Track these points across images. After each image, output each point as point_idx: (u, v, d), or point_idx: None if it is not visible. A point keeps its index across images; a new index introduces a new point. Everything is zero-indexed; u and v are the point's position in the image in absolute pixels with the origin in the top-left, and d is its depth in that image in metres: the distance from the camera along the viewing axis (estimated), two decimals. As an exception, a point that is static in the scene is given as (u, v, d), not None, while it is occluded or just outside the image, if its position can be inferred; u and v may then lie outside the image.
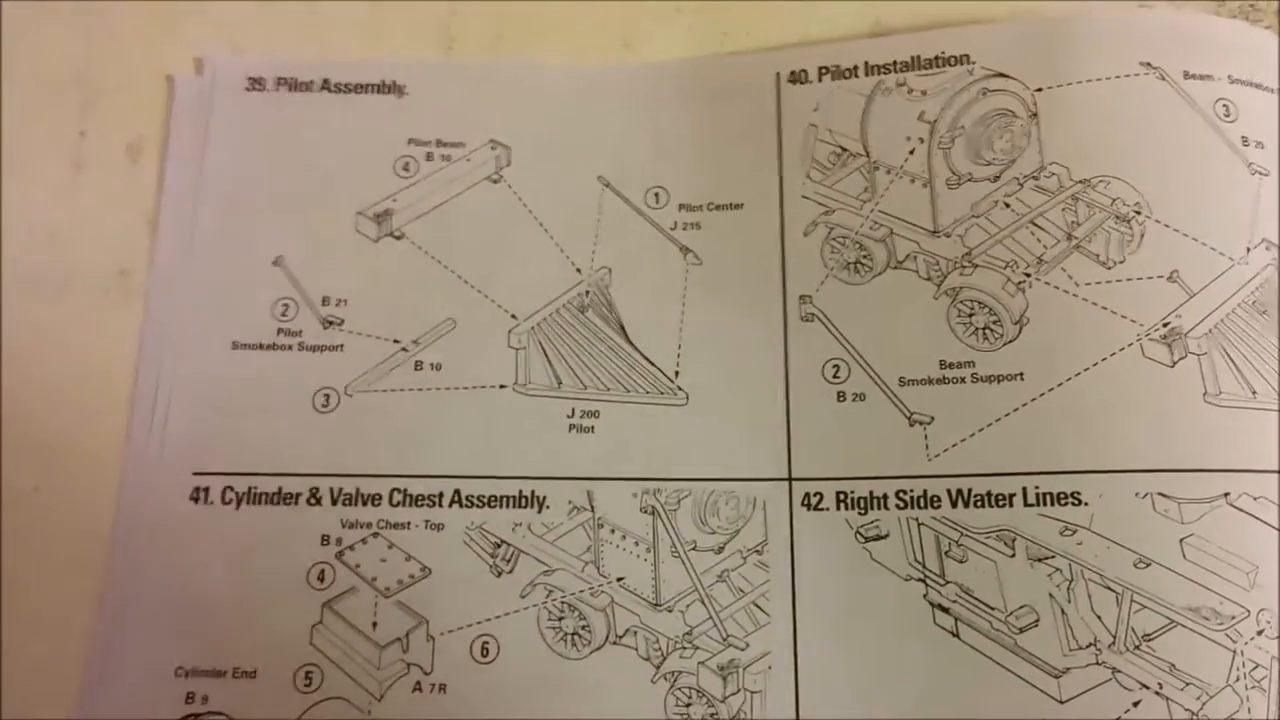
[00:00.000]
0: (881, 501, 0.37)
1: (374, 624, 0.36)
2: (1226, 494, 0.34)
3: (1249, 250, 0.37)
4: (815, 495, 0.37)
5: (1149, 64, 0.39)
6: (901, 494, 0.37)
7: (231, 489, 0.38)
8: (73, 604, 0.36)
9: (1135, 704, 0.33)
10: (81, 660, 0.36)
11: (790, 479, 0.37)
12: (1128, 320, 0.36)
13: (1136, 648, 0.33)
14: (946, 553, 0.36)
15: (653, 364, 0.40)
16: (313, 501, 0.38)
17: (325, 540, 0.37)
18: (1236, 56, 0.40)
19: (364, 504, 0.38)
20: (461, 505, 0.38)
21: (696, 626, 0.36)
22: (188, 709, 0.35)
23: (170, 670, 0.36)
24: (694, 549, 0.37)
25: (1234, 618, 0.33)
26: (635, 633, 0.36)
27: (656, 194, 0.41)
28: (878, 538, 0.36)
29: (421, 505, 0.38)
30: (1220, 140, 0.38)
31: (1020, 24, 0.41)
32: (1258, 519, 0.34)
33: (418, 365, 0.40)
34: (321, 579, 0.37)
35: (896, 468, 0.37)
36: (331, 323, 0.40)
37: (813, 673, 0.35)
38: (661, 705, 0.35)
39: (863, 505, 0.37)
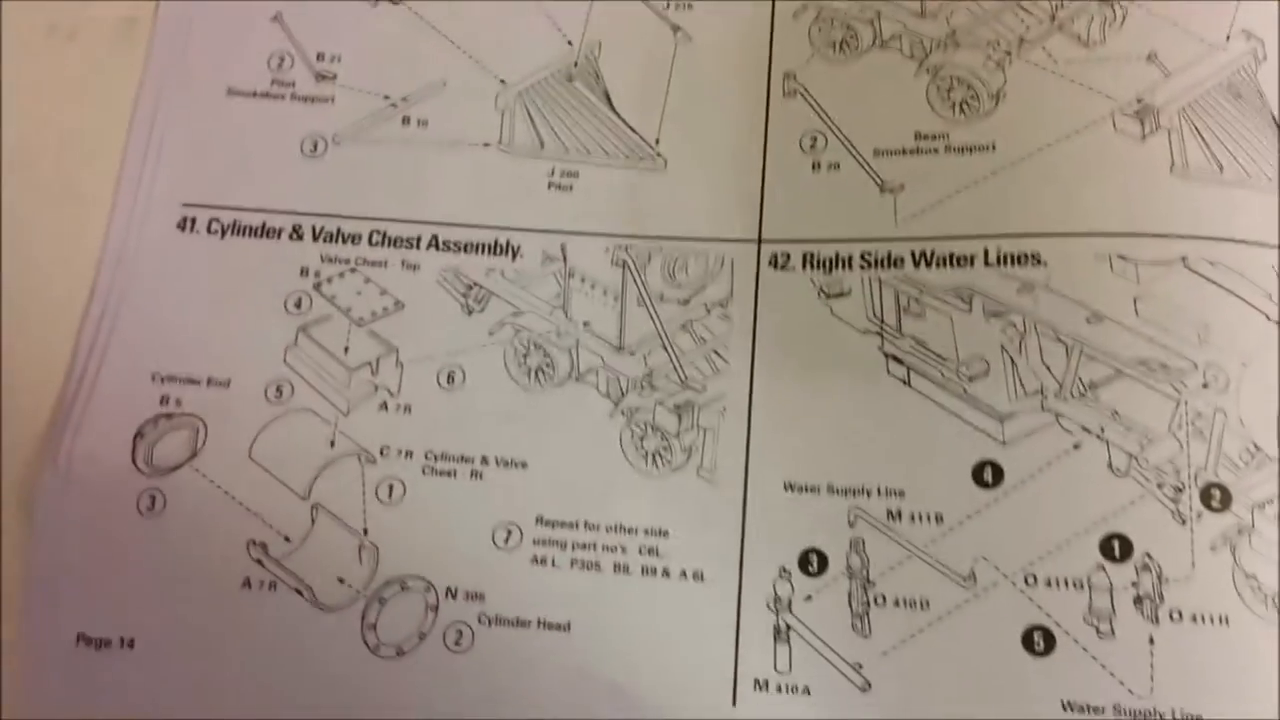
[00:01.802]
0: (846, 262, 0.37)
1: (346, 349, 0.37)
2: (1184, 258, 0.35)
3: (1228, 38, 0.37)
4: (783, 256, 0.38)
5: None
6: (866, 255, 0.37)
7: (217, 221, 0.39)
8: (66, 309, 0.38)
9: (1076, 446, 0.34)
10: (67, 360, 0.37)
11: (760, 240, 0.38)
12: (1103, 96, 0.37)
13: (1082, 395, 0.34)
14: (905, 309, 0.36)
15: (634, 131, 0.40)
16: (295, 237, 0.39)
17: (304, 272, 0.39)
18: None
19: (344, 242, 0.39)
20: (438, 249, 0.39)
21: (657, 369, 0.37)
22: (161, 409, 0.37)
23: (147, 374, 0.37)
24: (661, 300, 0.38)
25: (1181, 370, 0.33)
26: (597, 372, 0.37)
27: (652, -25, 0.42)
28: (839, 295, 0.37)
29: (400, 247, 0.39)
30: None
31: None
32: (1213, 282, 0.34)
33: (405, 120, 0.41)
34: (299, 306, 0.38)
35: (864, 232, 0.38)
36: (324, 77, 0.41)
37: (766, 414, 0.36)
38: (617, 437, 0.36)
39: (828, 265, 0.37)
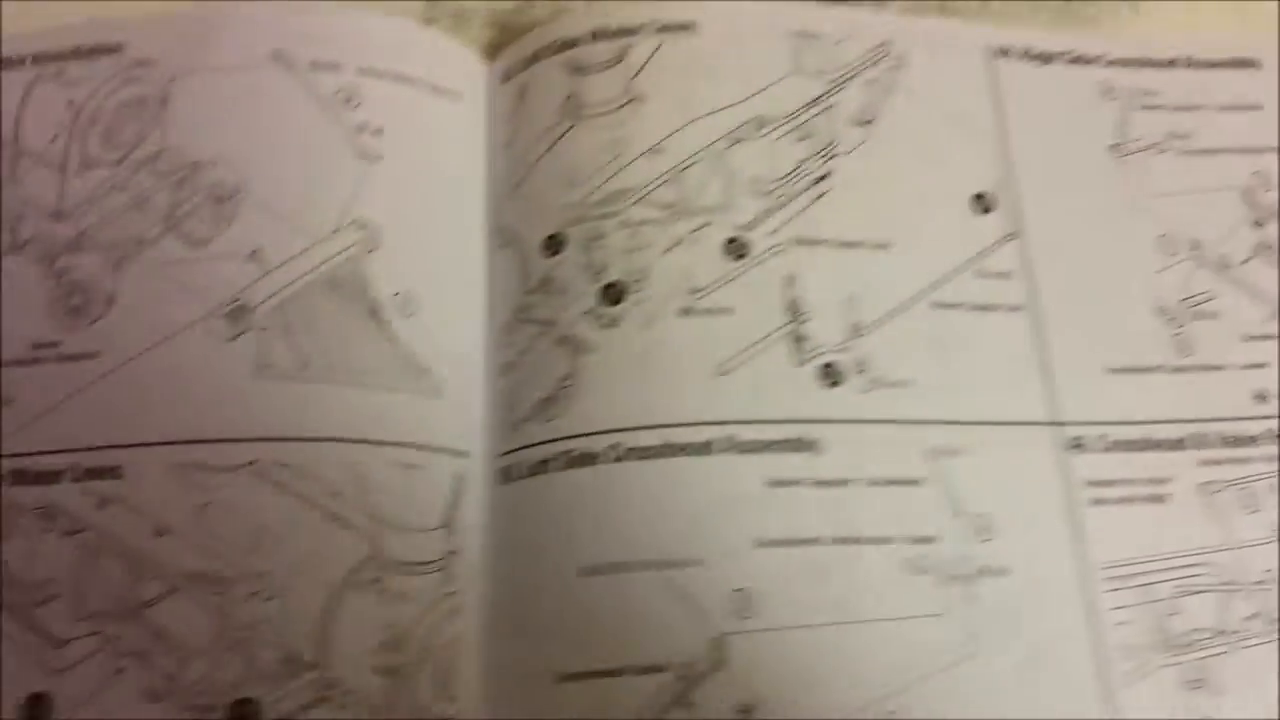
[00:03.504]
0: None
1: None
2: (253, 461, 0.35)
3: (336, 231, 0.38)
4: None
5: (279, 53, 0.40)
6: (-20, 482, 0.36)
7: None
8: None
9: (119, 670, 0.33)
10: None
11: None
12: (201, 298, 0.37)
13: (134, 615, 0.34)
14: (-8, 534, 0.35)
15: None
16: None
17: None
18: (370, 48, 0.41)
19: None
20: None
21: None
22: None
23: None
24: None
25: (230, 580, 0.34)
26: None
27: None
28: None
29: None
30: (334, 127, 0.40)
31: (173, 16, 0.42)
32: (278, 484, 0.35)
33: None
34: None
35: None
36: None
37: None
38: None
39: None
